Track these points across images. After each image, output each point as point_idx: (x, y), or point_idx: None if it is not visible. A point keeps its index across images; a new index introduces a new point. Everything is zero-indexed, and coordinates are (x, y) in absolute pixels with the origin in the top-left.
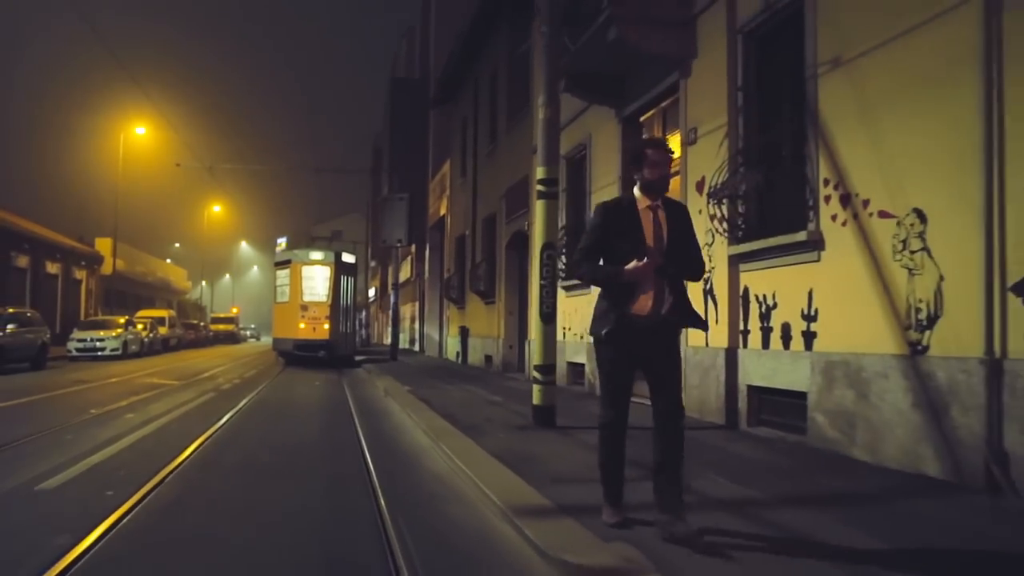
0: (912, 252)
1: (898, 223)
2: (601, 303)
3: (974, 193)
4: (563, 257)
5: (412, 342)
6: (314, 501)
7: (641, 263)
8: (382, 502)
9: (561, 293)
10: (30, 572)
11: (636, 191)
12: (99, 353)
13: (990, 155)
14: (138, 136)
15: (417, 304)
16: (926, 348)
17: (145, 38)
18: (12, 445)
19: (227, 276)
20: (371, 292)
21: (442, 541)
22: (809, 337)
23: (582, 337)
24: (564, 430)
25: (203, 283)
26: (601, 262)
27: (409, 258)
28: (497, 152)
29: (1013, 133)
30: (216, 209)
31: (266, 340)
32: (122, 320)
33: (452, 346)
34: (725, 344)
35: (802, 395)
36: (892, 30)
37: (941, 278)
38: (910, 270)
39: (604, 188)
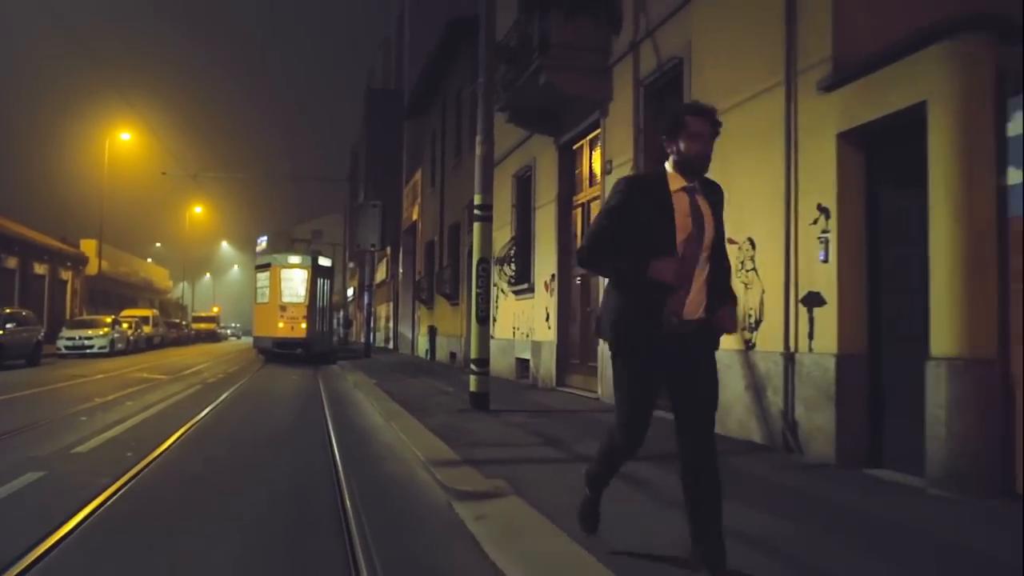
0: (747, 271)
1: (739, 247)
2: (620, 299)
3: (780, 227)
4: (512, 265)
5: (387, 340)
6: (286, 459)
7: (673, 263)
8: (338, 460)
9: (511, 297)
10: (86, 498)
11: (668, 167)
12: (87, 351)
13: (788, 200)
14: (123, 141)
15: (391, 304)
16: (754, 345)
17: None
18: (36, 426)
19: (208, 275)
20: (349, 292)
21: (377, 482)
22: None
23: (527, 336)
24: (495, 412)
25: (184, 282)
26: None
27: (384, 260)
28: (462, 165)
29: (803, 188)
30: (198, 210)
31: (246, 339)
32: (109, 319)
33: (422, 344)
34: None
35: None
36: (739, 97)
37: (763, 291)
38: (745, 285)
39: (546, 205)
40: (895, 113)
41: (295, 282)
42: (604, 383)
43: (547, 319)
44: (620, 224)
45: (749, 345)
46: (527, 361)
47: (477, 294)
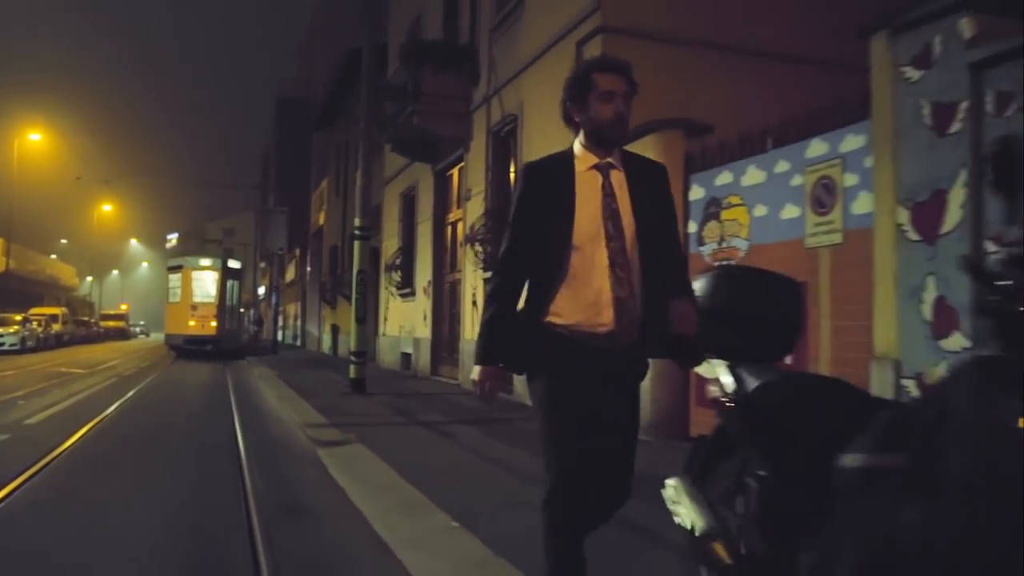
0: None
1: None
2: (487, 329)
3: None
4: (398, 272)
5: (295, 338)
6: (198, 425)
7: (482, 376)
8: (237, 427)
9: (398, 300)
10: (52, 446)
11: (576, 145)
12: None
13: None
14: (32, 142)
15: (300, 303)
16: None
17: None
18: None
19: (115, 272)
20: (261, 291)
21: (265, 438)
22: None
23: (410, 333)
24: (370, 395)
25: (89, 279)
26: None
27: (294, 261)
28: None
29: None
30: (107, 208)
31: (156, 336)
32: (19, 317)
33: (326, 341)
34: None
35: None
36: (547, 153)
37: None
38: None
39: (425, 221)
40: None
41: (206, 283)
42: (464, 371)
43: (424, 319)
44: (528, 223)
45: None
46: (410, 355)
47: (356, 299)
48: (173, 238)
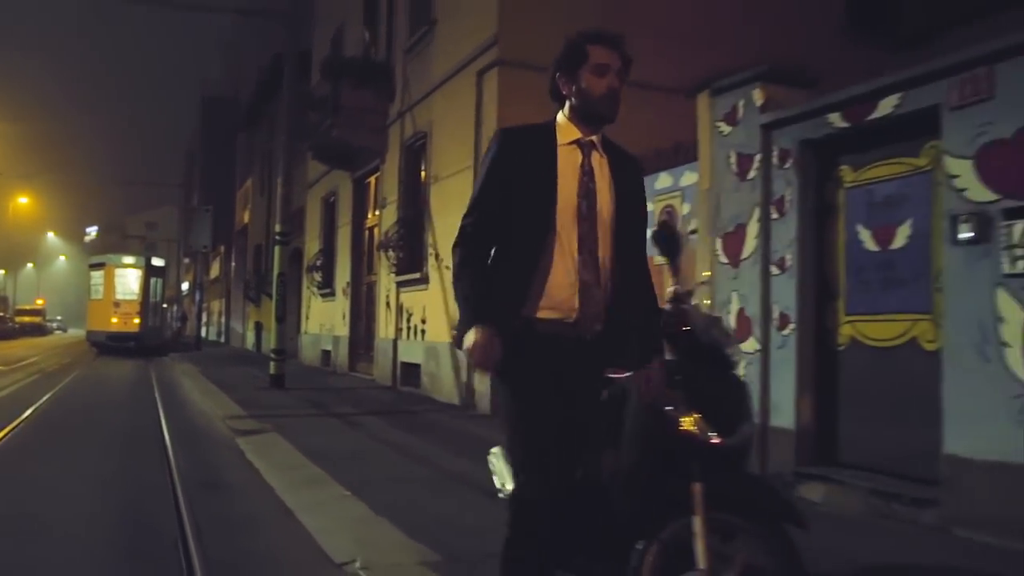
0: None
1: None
2: (470, 292)
3: None
4: (319, 273)
5: (220, 335)
6: (125, 415)
7: (481, 339)
8: (161, 418)
9: (319, 299)
10: None
11: (560, 116)
12: None
13: None
14: None
15: (224, 300)
16: (409, 332)
17: None
18: None
19: (30, 266)
20: (184, 286)
21: (187, 427)
22: (423, 333)
23: (330, 331)
24: (288, 389)
25: (1, 272)
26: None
27: (218, 258)
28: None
29: None
30: (23, 200)
31: (74, 332)
32: None
33: (250, 338)
34: (393, 336)
35: (419, 365)
36: (455, 169)
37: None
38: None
39: (344, 226)
40: None
41: (129, 280)
42: (378, 367)
43: (343, 318)
44: (497, 189)
45: (452, 338)
46: (329, 351)
47: (277, 300)
48: (93, 232)
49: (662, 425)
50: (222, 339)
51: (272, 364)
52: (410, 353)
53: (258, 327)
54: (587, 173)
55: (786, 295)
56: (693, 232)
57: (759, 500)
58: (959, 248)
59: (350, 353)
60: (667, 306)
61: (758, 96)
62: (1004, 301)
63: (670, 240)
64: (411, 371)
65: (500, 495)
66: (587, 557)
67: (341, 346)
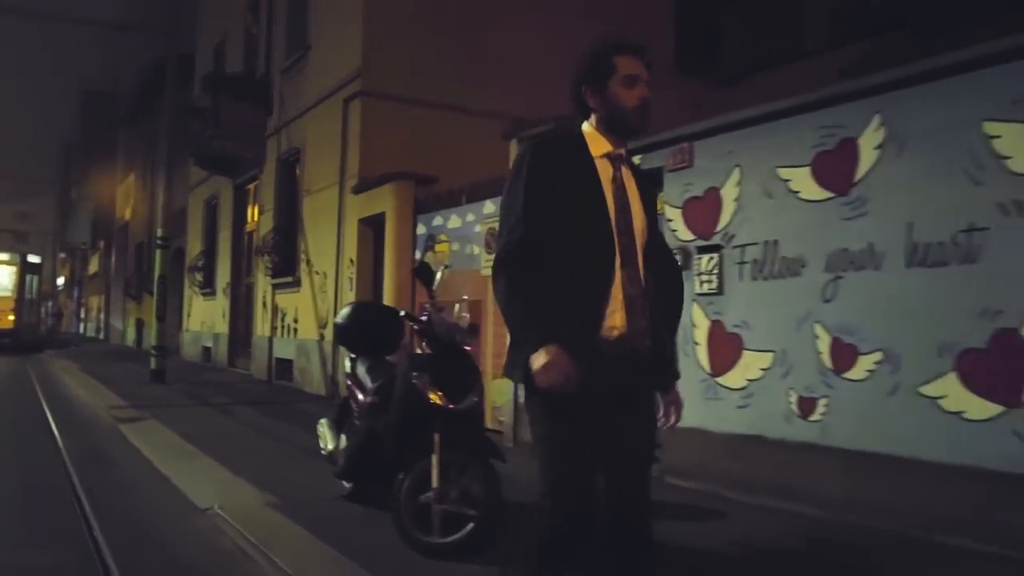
0: (323, 292)
1: (324, 276)
2: (531, 311)
3: (332, 268)
4: (201, 273)
5: (98, 331)
6: (7, 410)
7: (556, 358)
8: (46, 409)
9: (200, 298)
10: None
11: (587, 127)
12: None
13: (338, 252)
14: None
15: (104, 297)
16: (324, 337)
17: None
18: None
19: None
20: (60, 281)
21: (72, 418)
22: (295, 331)
23: (210, 328)
24: (168, 383)
25: None
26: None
27: (98, 254)
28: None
29: (345, 246)
30: None
31: None
32: None
33: (130, 335)
34: (269, 334)
35: (291, 361)
36: (324, 183)
37: (328, 305)
38: (321, 298)
39: (225, 229)
40: (376, 214)
41: (3, 278)
42: (255, 363)
43: (224, 316)
44: (541, 203)
45: (322, 336)
46: (210, 348)
47: (157, 301)
48: None
49: (417, 396)
50: (101, 336)
51: (153, 360)
52: (284, 350)
53: (139, 324)
54: (620, 186)
55: None
56: (447, 266)
57: (476, 445)
58: None
59: (229, 350)
60: (423, 317)
61: None
62: (696, 312)
63: (427, 274)
64: (284, 366)
65: (323, 452)
66: (369, 480)
67: (221, 343)
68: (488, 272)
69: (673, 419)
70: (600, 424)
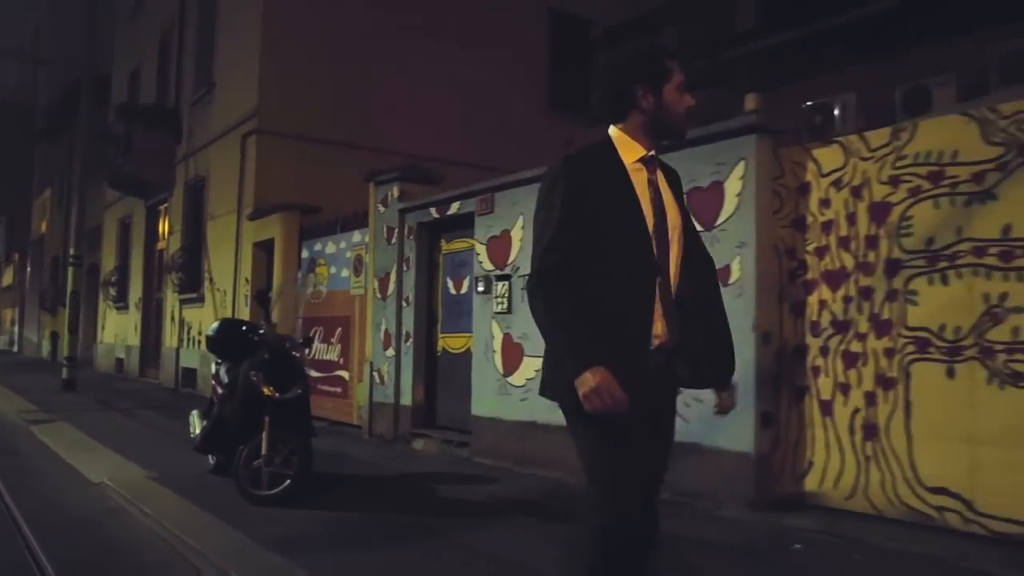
0: (223, 307)
1: (224, 293)
2: (573, 332)
3: (231, 287)
4: (114, 288)
5: (11, 343)
6: None
7: (604, 382)
8: None
9: (114, 312)
10: None
11: (616, 133)
12: None
13: (235, 273)
14: None
15: (18, 309)
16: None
17: None
18: None
19: None
20: None
21: None
22: (199, 343)
23: (124, 341)
24: (80, 392)
25: None
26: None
27: (12, 265)
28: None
29: (241, 267)
30: None
31: None
32: None
33: (45, 347)
34: (176, 345)
35: (195, 370)
36: (225, 210)
37: (232, 316)
38: (222, 313)
39: (138, 246)
40: (267, 239)
41: None
42: (163, 372)
43: (135, 329)
44: (579, 219)
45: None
46: (123, 359)
47: (69, 315)
48: None
49: (253, 389)
50: (15, 348)
51: (64, 370)
52: (189, 360)
53: (54, 336)
54: (656, 189)
55: (409, 320)
56: (319, 287)
57: (296, 426)
58: (479, 296)
59: (140, 360)
60: (261, 331)
61: (396, 190)
62: (494, 327)
63: (265, 300)
64: (190, 375)
65: (191, 436)
66: (219, 451)
67: (133, 354)
68: (357, 292)
69: (727, 409)
70: (647, 436)
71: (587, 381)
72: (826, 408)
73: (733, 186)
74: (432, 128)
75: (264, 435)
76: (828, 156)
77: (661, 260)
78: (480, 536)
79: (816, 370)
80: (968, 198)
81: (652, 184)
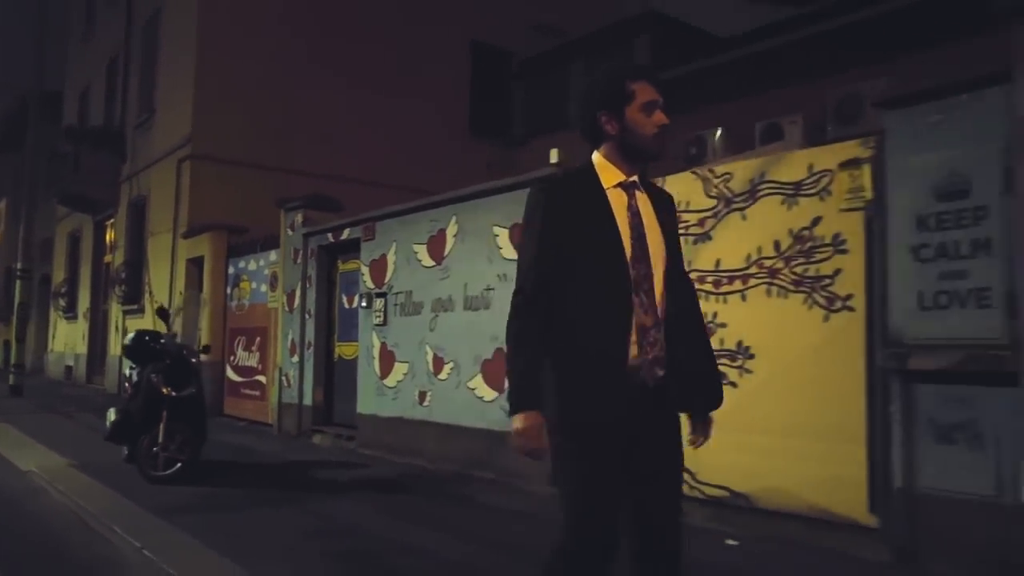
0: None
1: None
2: (528, 371)
3: (167, 298)
4: (64, 299)
5: None
6: None
7: (529, 428)
8: None
9: (64, 322)
10: None
11: (598, 158)
12: None
13: (171, 285)
14: None
15: None
16: None
17: None
18: None
19: None
20: None
21: None
22: None
23: (72, 349)
24: (27, 398)
25: None
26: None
27: None
28: (35, 212)
29: (177, 281)
30: None
31: None
32: None
33: None
34: (120, 354)
35: None
36: (163, 228)
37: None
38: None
39: (87, 259)
40: (199, 256)
41: None
42: (108, 379)
43: (83, 338)
44: (554, 247)
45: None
46: (72, 367)
47: (16, 324)
48: None
49: (153, 388)
50: None
51: (11, 376)
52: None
53: (6, 345)
54: (635, 214)
55: (311, 331)
56: (243, 301)
57: (189, 419)
58: (363, 310)
59: (88, 368)
60: (163, 340)
61: (300, 217)
62: (373, 337)
63: (165, 315)
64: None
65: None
66: (125, 441)
67: (80, 362)
68: (273, 306)
69: (701, 440)
70: (620, 458)
71: (518, 420)
72: None
73: None
74: (358, 152)
75: (161, 426)
76: None
77: (642, 284)
78: (328, 504)
79: None
80: (695, 238)
81: (632, 209)
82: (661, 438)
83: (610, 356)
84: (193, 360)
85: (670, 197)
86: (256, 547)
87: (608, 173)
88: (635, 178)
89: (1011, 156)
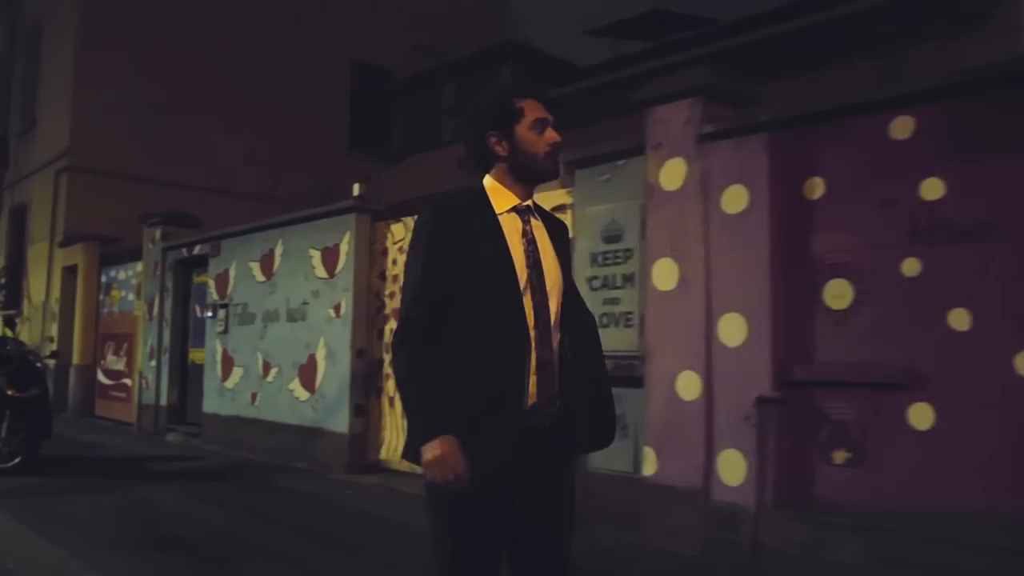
0: (36, 321)
1: (38, 310)
2: (426, 397)
3: (44, 300)
4: None
5: None
6: None
7: (447, 454)
8: None
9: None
10: None
11: (489, 182)
12: None
13: (47, 290)
14: None
15: None
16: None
17: None
18: None
19: None
20: None
21: None
22: None
23: None
24: None
25: None
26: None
27: None
28: None
29: (55, 281)
30: None
31: None
32: None
33: None
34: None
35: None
36: (40, 238)
37: (41, 330)
38: (36, 323)
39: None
40: (73, 264)
41: None
42: None
43: None
44: (446, 274)
45: None
46: None
47: None
48: None
49: (1, 389)
50: None
51: None
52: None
53: None
54: (530, 241)
55: (168, 337)
56: (113, 308)
57: (32, 417)
58: (210, 319)
59: None
60: (8, 346)
61: (159, 233)
62: (217, 343)
63: (12, 323)
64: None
65: None
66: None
67: None
68: (138, 313)
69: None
70: (503, 505)
71: (431, 449)
72: (391, 402)
73: (344, 248)
74: (236, 166)
75: (5, 424)
76: (398, 229)
77: (539, 317)
78: (144, 488)
79: (386, 376)
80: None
81: (527, 235)
82: (551, 480)
83: (507, 396)
84: (38, 364)
85: (564, 224)
86: (58, 519)
87: (500, 197)
88: (530, 202)
89: (644, 210)
